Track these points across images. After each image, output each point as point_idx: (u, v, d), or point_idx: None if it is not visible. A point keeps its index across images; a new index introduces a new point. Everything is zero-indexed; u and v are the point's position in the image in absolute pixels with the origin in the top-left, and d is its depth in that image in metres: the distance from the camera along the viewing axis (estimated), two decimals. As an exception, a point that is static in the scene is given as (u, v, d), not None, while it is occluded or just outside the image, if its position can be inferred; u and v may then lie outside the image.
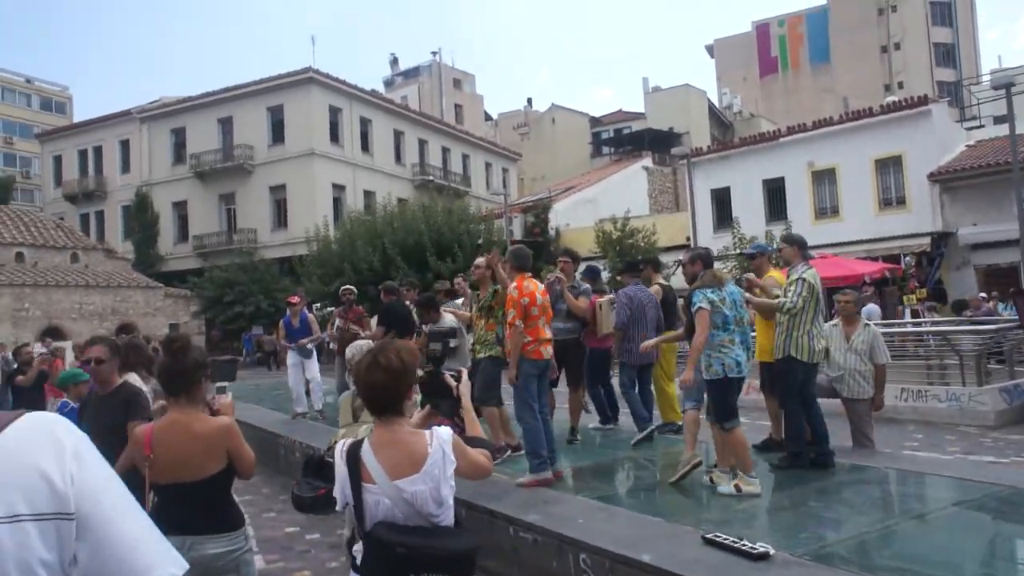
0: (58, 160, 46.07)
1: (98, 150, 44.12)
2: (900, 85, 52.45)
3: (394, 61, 66.39)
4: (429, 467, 2.46)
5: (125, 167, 43.12)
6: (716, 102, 51.64)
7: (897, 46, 54.32)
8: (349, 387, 4.74)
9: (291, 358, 11.30)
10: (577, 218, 33.85)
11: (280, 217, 38.85)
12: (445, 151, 47.34)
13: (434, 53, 62.15)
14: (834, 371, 7.01)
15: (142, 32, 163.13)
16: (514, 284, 6.17)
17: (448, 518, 2.53)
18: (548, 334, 6.33)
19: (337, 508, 2.69)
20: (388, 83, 63.27)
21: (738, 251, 22.65)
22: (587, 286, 8.26)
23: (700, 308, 5.88)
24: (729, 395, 5.82)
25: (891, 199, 24.02)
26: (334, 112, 39.21)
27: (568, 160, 48.14)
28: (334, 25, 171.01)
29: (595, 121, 50.79)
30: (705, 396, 6.23)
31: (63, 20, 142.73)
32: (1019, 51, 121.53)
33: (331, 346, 11.47)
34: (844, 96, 45.70)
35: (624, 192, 36.22)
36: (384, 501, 2.45)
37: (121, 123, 43.01)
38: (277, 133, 38.74)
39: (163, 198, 41.34)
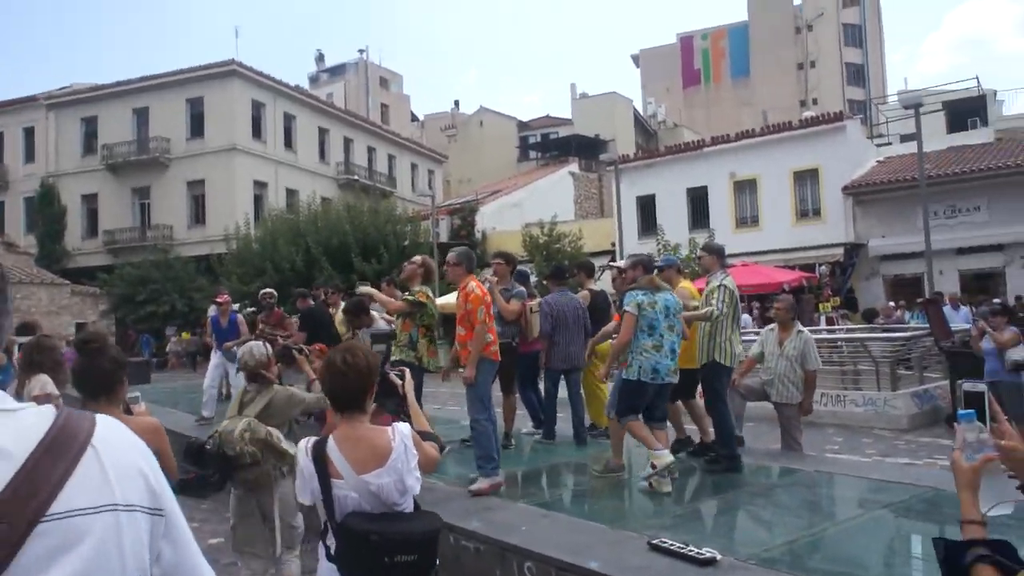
0: (-46, 147, 43.30)
1: (-1, 137, 41.74)
2: (815, 101, 54.55)
3: (320, 58, 65.30)
4: (393, 461, 2.61)
5: (29, 156, 40.86)
6: (641, 111, 52.64)
7: (813, 64, 56.55)
8: None
9: (214, 358, 10.91)
10: (503, 221, 33.92)
11: (198, 214, 37.55)
12: (371, 151, 46.70)
13: (361, 51, 61.49)
14: (766, 375, 7.16)
15: (49, 15, 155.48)
16: (474, 283, 6.08)
17: (409, 504, 2.70)
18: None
19: (306, 503, 2.77)
20: (313, 80, 62.11)
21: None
22: (521, 289, 8.19)
23: (625, 311, 5.99)
24: (637, 397, 5.96)
25: (808, 210, 24.91)
26: (257, 107, 38.17)
27: (495, 163, 48.23)
28: (258, 18, 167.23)
29: (523, 125, 51.08)
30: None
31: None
32: (922, 72, 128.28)
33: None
34: (763, 110, 47.22)
35: (550, 197, 36.51)
36: (352, 495, 2.59)
37: (25, 109, 40.72)
38: (196, 126, 37.42)
39: (72, 190, 39.36)
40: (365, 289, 7.74)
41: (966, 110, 29.07)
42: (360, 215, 27.82)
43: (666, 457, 5.72)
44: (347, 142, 44.52)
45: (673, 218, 26.33)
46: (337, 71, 62.23)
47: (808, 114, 28.10)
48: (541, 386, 8.70)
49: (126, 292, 33.10)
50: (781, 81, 56.49)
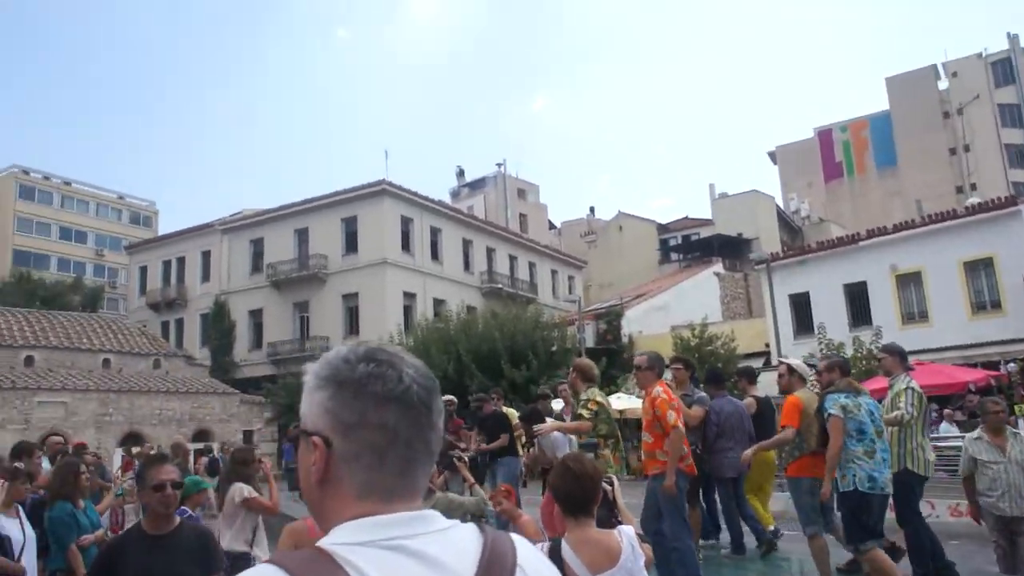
0: (144, 270, 48.23)
1: (181, 260, 46.08)
2: (973, 187, 51.57)
3: (460, 173, 68.44)
4: (623, 561, 2.78)
5: (205, 276, 44.79)
6: (783, 207, 51.54)
7: (967, 148, 53.79)
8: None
9: None
10: (649, 325, 33.53)
11: (352, 324, 39.45)
12: (512, 259, 47.96)
13: (499, 164, 63.98)
14: (990, 489, 6.48)
15: (224, 150, 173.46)
16: (660, 388, 5.96)
17: None
18: None
19: None
20: (454, 194, 65.07)
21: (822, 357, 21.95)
22: (703, 394, 7.95)
23: (831, 415, 5.63)
24: (862, 513, 5.43)
25: (984, 303, 23.14)
26: (406, 222, 40.31)
27: (636, 267, 48.19)
28: (404, 139, 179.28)
29: (662, 228, 51.06)
30: (837, 517, 5.87)
31: (152, 141, 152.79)
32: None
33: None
34: (917, 199, 45.05)
35: (696, 298, 35.90)
36: None
37: (203, 235, 45.01)
38: (351, 243, 39.88)
39: (240, 306, 42.56)
40: (549, 427, 7.59)
41: None
42: (508, 323, 28.29)
43: None
44: (490, 252, 45.98)
45: (830, 316, 25.09)
46: (477, 185, 64.95)
47: (972, 201, 26.49)
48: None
49: (288, 401, 34.86)
50: (932, 168, 53.95)
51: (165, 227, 63.17)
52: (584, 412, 6.53)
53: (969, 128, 53.66)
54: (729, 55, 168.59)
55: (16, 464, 5.57)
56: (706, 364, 24.55)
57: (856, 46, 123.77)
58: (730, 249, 40.78)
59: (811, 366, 7.65)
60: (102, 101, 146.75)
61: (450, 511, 4.72)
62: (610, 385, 26.70)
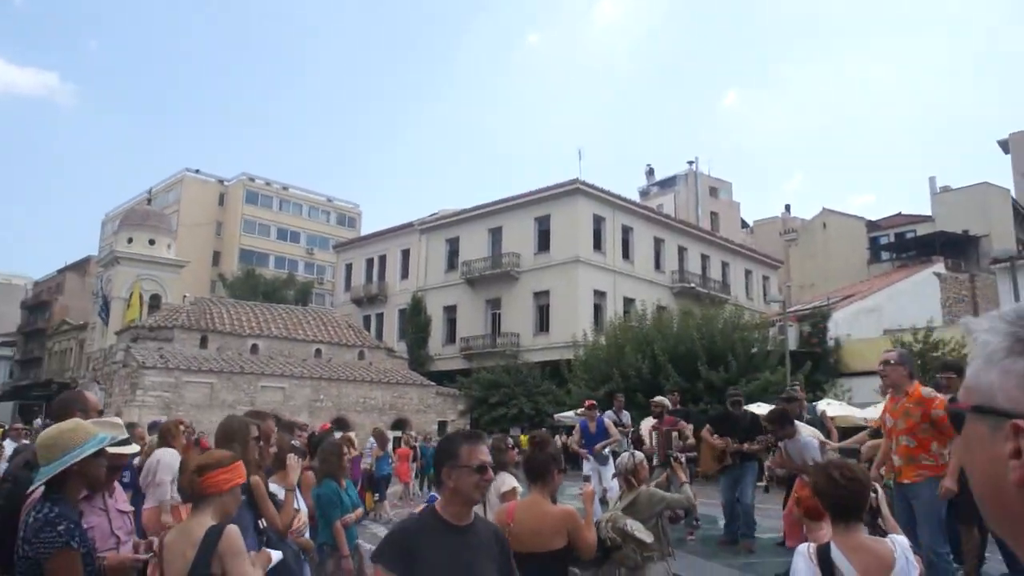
0: (349, 267, 51.59)
1: (382, 259, 48.74)
2: None
3: (650, 172, 67.41)
4: (898, 570, 2.73)
5: (404, 274, 47.06)
6: (1017, 200, 45.99)
7: None
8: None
9: (586, 467, 10.82)
10: (858, 328, 31.02)
11: (542, 322, 39.79)
12: (704, 258, 46.44)
13: (690, 162, 62.31)
14: None
15: (423, 155, 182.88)
16: (930, 390, 5.28)
17: None
18: None
19: None
20: (644, 193, 64.09)
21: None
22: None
23: None
24: None
25: None
26: (598, 221, 40.06)
27: (841, 267, 44.95)
28: (593, 141, 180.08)
29: (871, 225, 47.27)
30: None
31: (356, 148, 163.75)
32: None
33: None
34: None
35: (912, 301, 32.81)
36: None
37: (403, 235, 47.33)
38: (543, 242, 40.23)
39: (435, 302, 44.27)
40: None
41: None
42: (706, 322, 27.19)
43: None
44: (681, 251, 44.77)
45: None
46: (667, 183, 63.65)
47: None
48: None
49: (480, 395, 35.76)
50: None
51: (367, 228, 67.04)
52: None
53: None
54: (935, 40, 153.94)
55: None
56: (930, 373, 22.28)
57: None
58: (953, 248, 36.92)
59: None
60: (311, 112, 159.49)
61: (652, 504, 4.90)
62: (816, 391, 24.92)
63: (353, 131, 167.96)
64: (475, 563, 2.60)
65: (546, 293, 39.49)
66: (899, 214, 47.84)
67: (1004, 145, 57.70)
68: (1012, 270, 21.45)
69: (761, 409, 14.02)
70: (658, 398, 10.70)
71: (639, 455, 5.89)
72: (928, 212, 44.18)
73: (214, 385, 28.71)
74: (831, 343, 29.69)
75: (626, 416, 12.17)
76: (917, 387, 5.38)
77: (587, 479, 4.38)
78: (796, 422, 7.16)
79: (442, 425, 34.55)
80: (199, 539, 2.86)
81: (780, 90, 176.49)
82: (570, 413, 32.14)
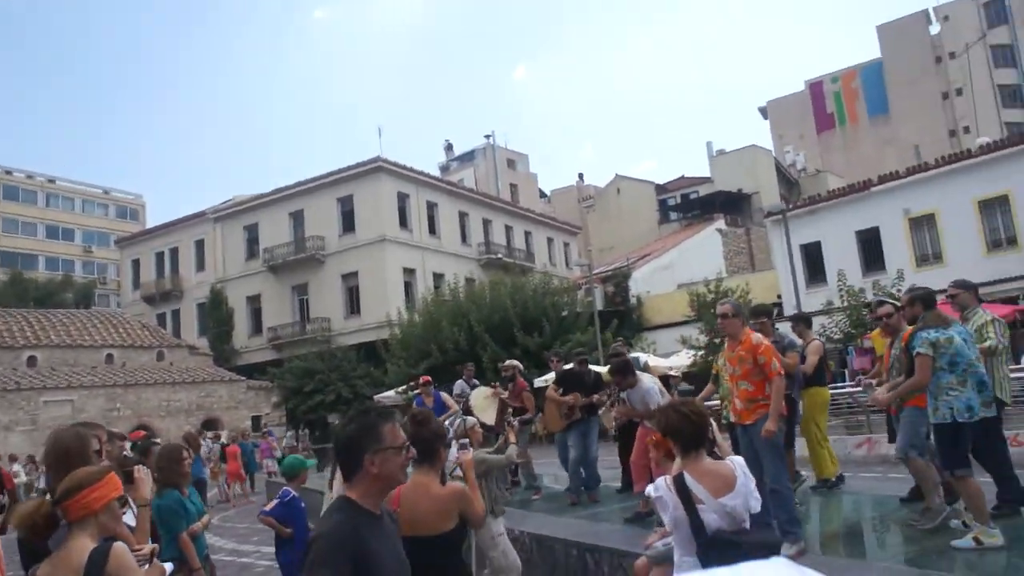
0: (136, 264, 47.50)
1: (174, 251, 45.38)
2: (966, 130, 51.34)
3: (448, 147, 67.71)
4: (739, 486, 3.19)
5: (200, 266, 44.14)
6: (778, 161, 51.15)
7: (959, 91, 53.45)
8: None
9: None
10: (655, 285, 33.26)
11: (353, 304, 38.98)
12: (508, 229, 47.53)
13: (487, 136, 63.27)
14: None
15: (211, 140, 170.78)
16: (758, 335, 5.70)
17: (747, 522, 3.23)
18: None
19: (668, 528, 3.40)
20: (444, 168, 64.32)
21: (845, 304, 21.69)
22: (792, 339, 7.67)
23: (919, 353, 5.41)
24: (959, 442, 5.33)
25: (1000, 240, 22.89)
26: (402, 198, 39.71)
27: (636, 229, 47.80)
28: (389, 117, 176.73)
29: (660, 188, 50.60)
30: (931, 441, 5.75)
31: (135, 135, 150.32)
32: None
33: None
34: (915, 145, 44.76)
35: (699, 256, 35.66)
36: (712, 515, 3.13)
37: (196, 224, 44.29)
38: (347, 222, 39.28)
39: (237, 293, 41.99)
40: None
41: None
42: (519, 290, 27.86)
43: (999, 539, 5.01)
44: (486, 223, 45.50)
45: (842, 263, 24.81)
46: (466, 158, 64.24)
47: (983, 140, 26.11)
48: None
49: (295, 384, 34.49)
50: (925, 114, 53.66)
51: (154, 220, 62.26)
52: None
53: (961, 72, 53.29)
54: (712, 12, 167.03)
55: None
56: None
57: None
58: (731, 205, 40.42)
59: (884, 301, 7.32)
60: (81, 98, 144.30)
61: (478, 467, 4.87)
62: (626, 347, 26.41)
63: (129, 117, 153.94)
64: (400, 551, 2.44)
65: (354, 275, 38.67)
66: (682, 177, 51.62)
67: (763, 112, 63.98)
68: (784, 220, 23.79)
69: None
70: (510, 361, 10.75)
71: (470, 419, 6.23)
72: (708, 174, 48.04)
73: (-16, 406, 25.49)
74: (633, 301, 31.55)
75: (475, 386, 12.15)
76: (748, 334, 5.70)
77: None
78: (636, 372, 7.48)
79: (256, 420, 33.03)
80: (81, 565, 2.52)
81: (565, 63, 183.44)
82: (390, 393, 31.93)
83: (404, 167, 39.63)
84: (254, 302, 41.83)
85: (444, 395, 11.07)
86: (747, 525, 3.19)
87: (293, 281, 40.37)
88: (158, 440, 9.93)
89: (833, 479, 8.01)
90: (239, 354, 41.03)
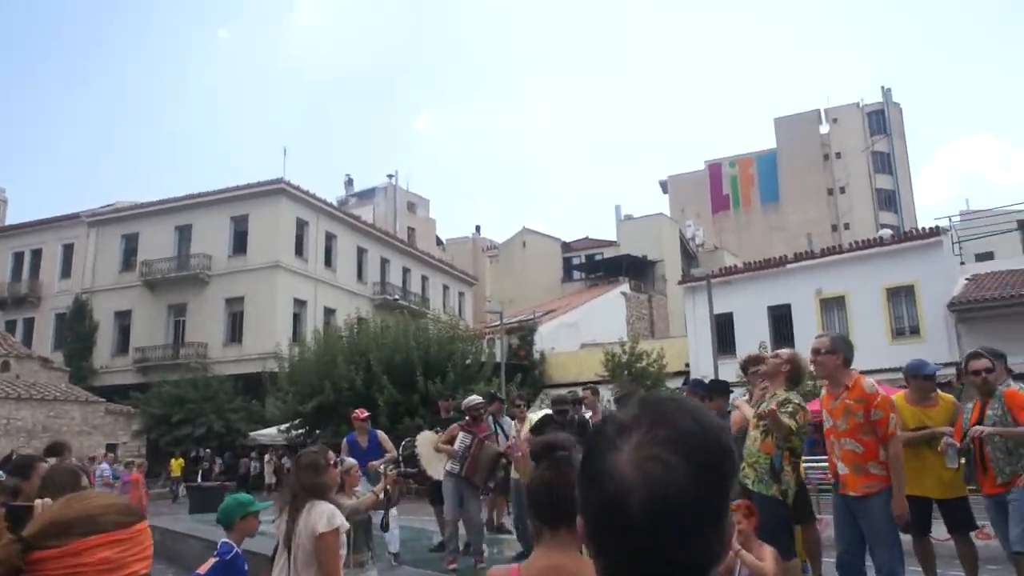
0: (-13, 263, 42.59)
1: (36, 253, 41.10)
2: (847, 226, 54.62)
3: (349, 182, 65.98)
4: None
5: (65, 272, 40.12)
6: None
7: (843, 190, 56.97)
8: None
9: (361, 486, 9.23)
10: (560, 342, 32.66)
11: (235, 331, 36.23)
12: (406, 271, 46.08)
13: (390, 176, 62.02)
14: None
15: (94, 143, 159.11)
16: (872, 381, 4.67)
17: None
18: None
19: None
20: (342, 202, 62.27)
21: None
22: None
23: None
24: None
25: (904, 328, 23.63)
26: (301, 225, 37.68)
27: (539, 284, 47.36)
28: (290, 145, 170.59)
29: (564, 247, 50.64)
30: None
31: (4, 122, 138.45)
32: (923, 203, 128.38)
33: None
34: (808, 233, 46.94)
35: (603, 317, 35.46)
36: None
37: (67, 227, 40.34)
38: (239, 243, 36.77)
39: (105, 307, 38.30)
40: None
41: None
42: (422, 332, 26.39)
43: None
44: (384, 262, 43.93)
45: (753, 337, 24.96)
46: (366, 195, 62.64)
47: (885, 232, 27.28)
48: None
49: (161, 412, 31.31)
50: (812, 206, 56.79)
51: (15, 217, 56.54)
52: (790, 421, 4.72)
53: (844, 171, 56.89)
54: (622, 84, 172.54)
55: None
56: (637, 381, 23.79)
57: (750, 86, 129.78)
58: (635, 270, 40.72)
59: (980, 354, 6.59)
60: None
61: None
62: (529, 405, 25.39)
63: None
64: None
65: (240, 300, 36.04)
66: (587, 237, 51.98)
67: (663, 185, 66.02)
68: (708, 287, 23.61)
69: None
70: (474, 398, 9.30)
71: (349, 460, 5.94)
72: (613, 237, 48.52)
73: None
74: (537, 356, 30.73)
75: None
76: (858, 380, 4.70)
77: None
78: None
79: (111, 448, 29.54)
80: None
81: (470, 117, 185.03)
82: (271, 430, 29.45)
83: (307, 193, 37.72)
84: (123, 318, 38.22)
85: (381, 434, 9.64)
86: None
87: (171, 300, 37.20)
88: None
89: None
90: (99, 374, 37.14)
